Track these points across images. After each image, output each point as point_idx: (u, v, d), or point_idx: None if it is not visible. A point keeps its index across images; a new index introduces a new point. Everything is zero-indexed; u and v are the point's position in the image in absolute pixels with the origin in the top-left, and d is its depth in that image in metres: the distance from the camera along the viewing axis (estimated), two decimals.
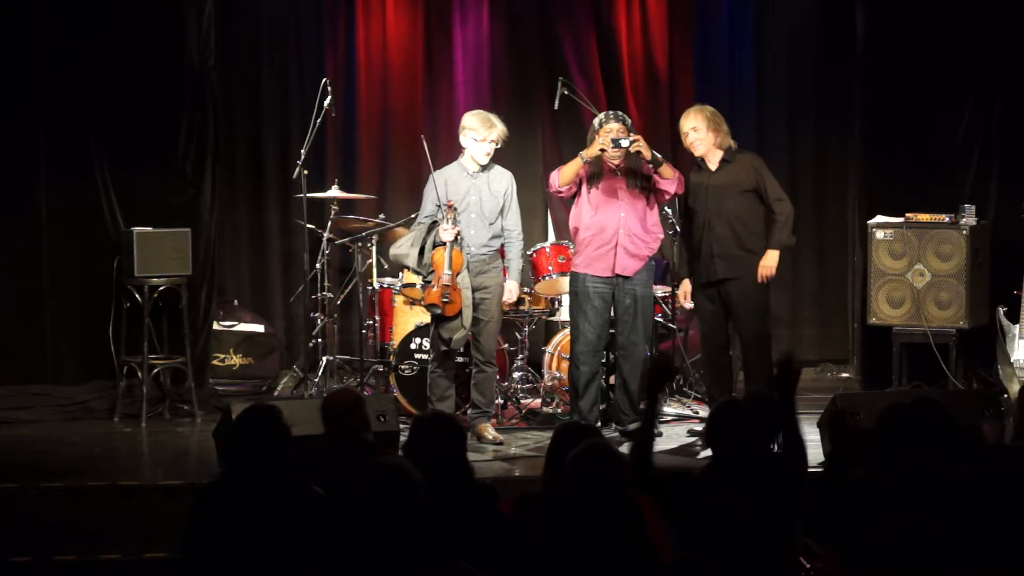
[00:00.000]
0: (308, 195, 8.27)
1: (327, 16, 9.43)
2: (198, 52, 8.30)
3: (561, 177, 7.26)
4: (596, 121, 7.29)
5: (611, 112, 7.41)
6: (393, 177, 9.39)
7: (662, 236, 7.51)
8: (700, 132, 7.23)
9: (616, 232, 7.21)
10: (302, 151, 8.25)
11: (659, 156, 7.19)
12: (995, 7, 8.65)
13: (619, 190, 7.26)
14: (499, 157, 7.55)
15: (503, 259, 7.47)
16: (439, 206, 7.20)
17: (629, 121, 7.33)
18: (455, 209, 7.15)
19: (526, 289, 8.09)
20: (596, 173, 7.26)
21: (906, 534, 3.21)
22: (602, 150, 7.11)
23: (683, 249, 7.50)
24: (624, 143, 7.07)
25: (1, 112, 8.07)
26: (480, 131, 7.24)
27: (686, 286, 7.45)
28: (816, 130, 9.70)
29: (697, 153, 7.28)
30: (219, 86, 8.51)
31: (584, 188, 7.29)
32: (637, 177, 7.27)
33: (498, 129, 7.26)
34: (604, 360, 7.59)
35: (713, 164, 7.27)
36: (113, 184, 8.24)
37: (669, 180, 7.22)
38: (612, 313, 7.34)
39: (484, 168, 7.33)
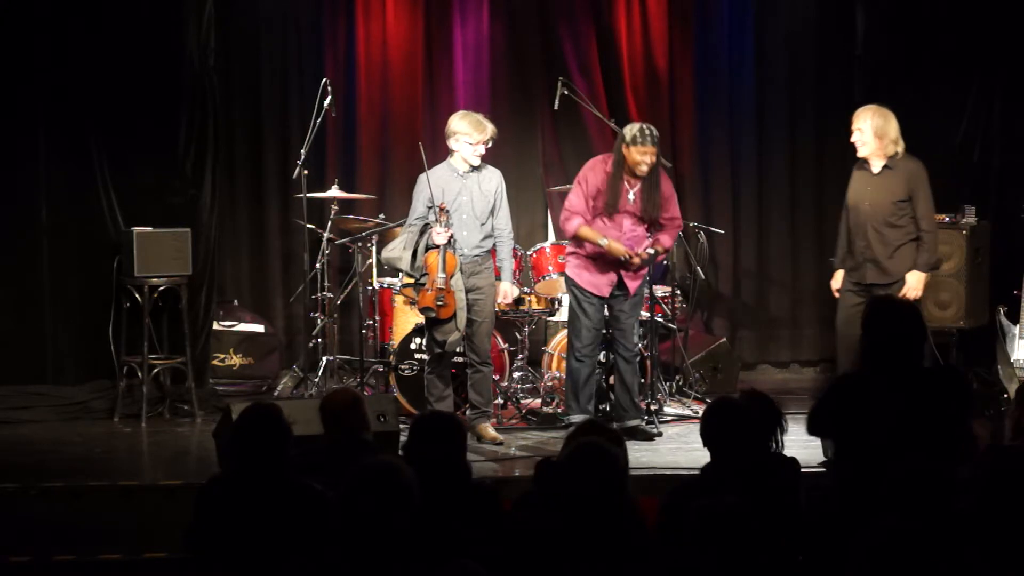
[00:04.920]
0: (308, 195, 8.28)
1: (327, 16, 9.43)
2: (198, 52, 8.29)
3: (576, 235, 7.17)
4: (628, 136, 7.06)
5: (645, 128, 7.10)
6: (393, 177, 9.39)
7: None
8: (864, 135, 7.06)
9: (617, 259, 7.19)
10: (302, 151, 8.25)
11: (667, 249, 7.43)
12: (995, 7, 8.65)
13: (624, 223, 7.21)
14: (499, 158, 7.53)
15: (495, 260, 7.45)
16: (431, 207, 7.17)
17: (657, 136, 7.14)
18: (447, 212, 7.13)
19: (526, 289, 8.09)
20: (610, 207, 7.15)
21: (899, 538, 3.21)
22: (627, 258, 7.07)
23: (839, 240, 7.34)
24: (650, 251, 7.18)
25: (1, 112, 8.06)
26: (474, 135, 7.18)
27: (840, 275, 7.26)
28: (816, 130, 9.68)
29: (859, 154, 7.13)
30: (219, 86, 8.50)
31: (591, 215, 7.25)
32: (644, 220, 7.24)
33: (490, 129, 7.22)
34: (603, 360, 7.59)
35: (876, 167, 7.11)
36: (113, 184, 8.24)
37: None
38: (608, 313, 7.35)
39: (474, 168, 7.29)
